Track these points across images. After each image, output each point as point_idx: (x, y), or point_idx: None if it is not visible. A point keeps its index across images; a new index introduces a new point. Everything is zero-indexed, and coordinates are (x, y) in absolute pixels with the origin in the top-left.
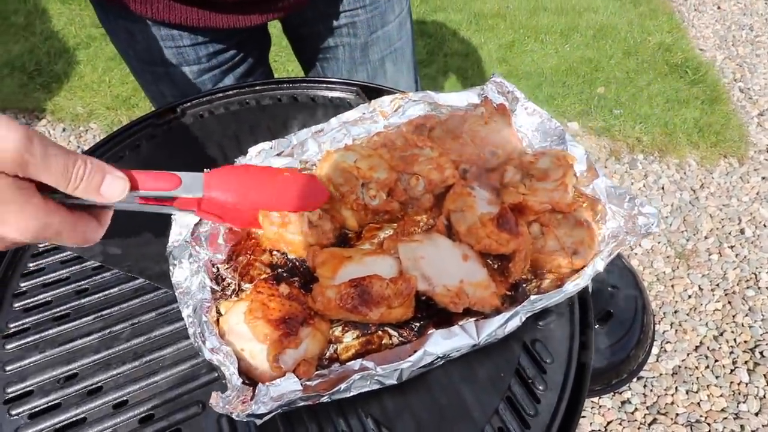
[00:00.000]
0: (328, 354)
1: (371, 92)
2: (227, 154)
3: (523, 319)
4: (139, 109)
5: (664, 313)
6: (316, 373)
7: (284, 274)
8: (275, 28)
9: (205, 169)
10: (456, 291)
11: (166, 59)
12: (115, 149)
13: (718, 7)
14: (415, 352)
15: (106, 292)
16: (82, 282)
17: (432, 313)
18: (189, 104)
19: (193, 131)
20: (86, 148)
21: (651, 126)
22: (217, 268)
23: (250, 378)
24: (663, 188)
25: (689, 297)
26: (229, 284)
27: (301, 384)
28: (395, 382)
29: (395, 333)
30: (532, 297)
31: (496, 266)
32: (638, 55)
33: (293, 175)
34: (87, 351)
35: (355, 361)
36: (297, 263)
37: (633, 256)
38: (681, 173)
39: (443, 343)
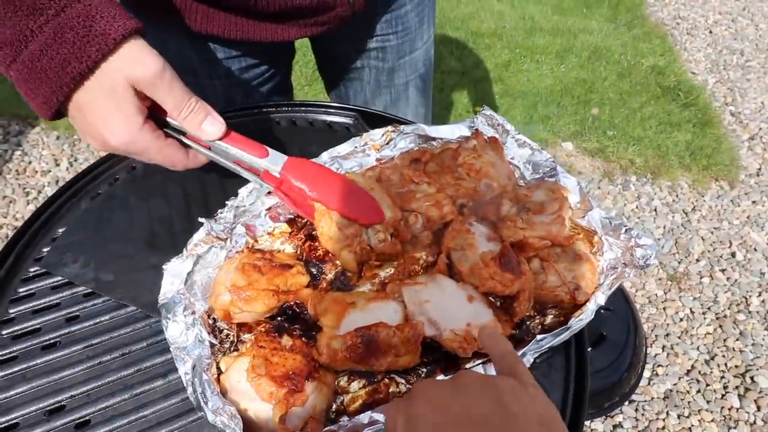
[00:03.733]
0: (334, 407)
1: (369, 117)
2: (225, 175)
3: (531, 360)
4: None
5: (656, 336)
6: (326, 429)
7: (285, 324)
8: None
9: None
10: (464, 335)
11: (197, 70)
12: (112, 170)
13: (710, 32)
14: None
15: (97, 320)
16: (73, 309)
17: (438, 356)
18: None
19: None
20: (80, 156)
21: (644, 148)
22: (214, 319)
23: None
24: (655, 210)
25: (681, 320)
26: (227, 336)
27: None
28: None
29: (402, 380)
30: (538, 336)
31: (499, 304)
32: (632, 77)
33: (361, 189)
34: (75, 382)
35: (365, 414)
36: (296, 309)
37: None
38: (673, 195)
39: None
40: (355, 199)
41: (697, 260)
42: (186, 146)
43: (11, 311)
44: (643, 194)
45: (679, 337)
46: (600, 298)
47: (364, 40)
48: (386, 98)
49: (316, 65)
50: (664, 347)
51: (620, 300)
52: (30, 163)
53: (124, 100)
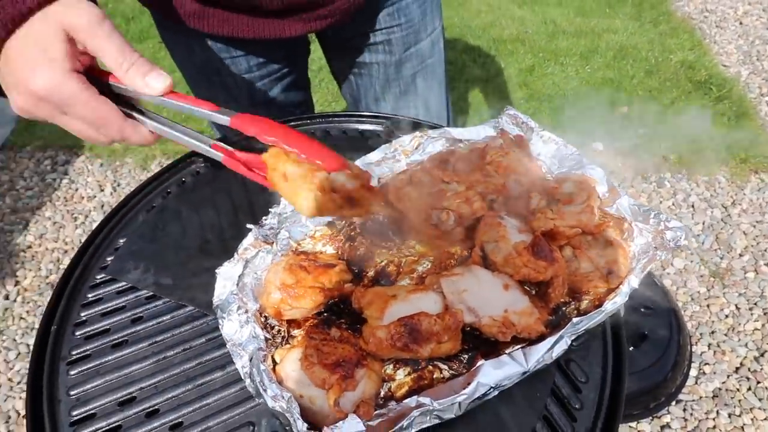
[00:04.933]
0: (382, 393)
1: (400, 123)
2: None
3: (569, 342)
4: (171, 143)
5: (700, 334)
6: (376, 412)
7: (332, 317)
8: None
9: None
10: (502, 321)
11: (220, 68)
12: (164, 185)
13: (740, 23)
14: (469, 384)
15: (159, 320)
16: (137, 310)
17: (479, 343)
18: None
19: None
20: (123, 181)
21: (677, 144)
22: (265, 317)
23: (313, 422)
24: (693, 206)
25: (726, 317)
26: (278, 332)
27: (364, 425)
28: (453, 416)
29: (445, 366)
30: (575, 319)
31: (534, 292)
32: (660, 73)
33: (320, 143)
34: (143, 375)
35: (412, 398)
36: (341, 305)
37: (666, 276)
38: (711, 190)
39: (494, 373)
40: (316, 146)
41: (740, 255)
42: (132, 118)
43: (83, 314)
44: (679, 191)
45: (725, 335)
46: (633, 281)
47: (370, 34)
48: (395, 91)
49: (329, 68)
50: (710, 345)
51: (661, 298)
52: (77, 190)
53: (51, 44)
